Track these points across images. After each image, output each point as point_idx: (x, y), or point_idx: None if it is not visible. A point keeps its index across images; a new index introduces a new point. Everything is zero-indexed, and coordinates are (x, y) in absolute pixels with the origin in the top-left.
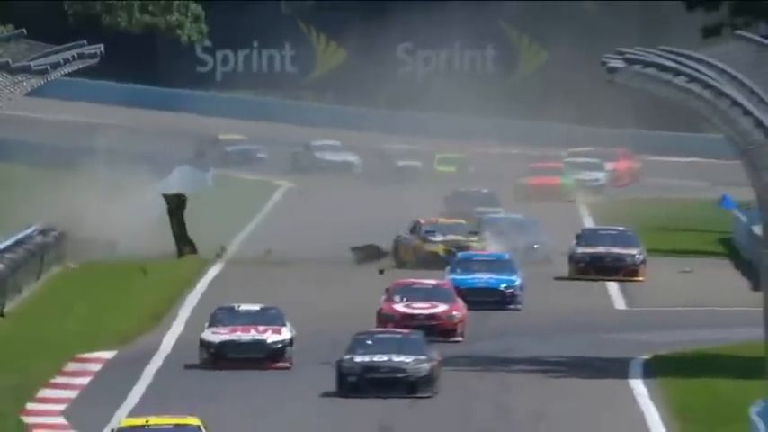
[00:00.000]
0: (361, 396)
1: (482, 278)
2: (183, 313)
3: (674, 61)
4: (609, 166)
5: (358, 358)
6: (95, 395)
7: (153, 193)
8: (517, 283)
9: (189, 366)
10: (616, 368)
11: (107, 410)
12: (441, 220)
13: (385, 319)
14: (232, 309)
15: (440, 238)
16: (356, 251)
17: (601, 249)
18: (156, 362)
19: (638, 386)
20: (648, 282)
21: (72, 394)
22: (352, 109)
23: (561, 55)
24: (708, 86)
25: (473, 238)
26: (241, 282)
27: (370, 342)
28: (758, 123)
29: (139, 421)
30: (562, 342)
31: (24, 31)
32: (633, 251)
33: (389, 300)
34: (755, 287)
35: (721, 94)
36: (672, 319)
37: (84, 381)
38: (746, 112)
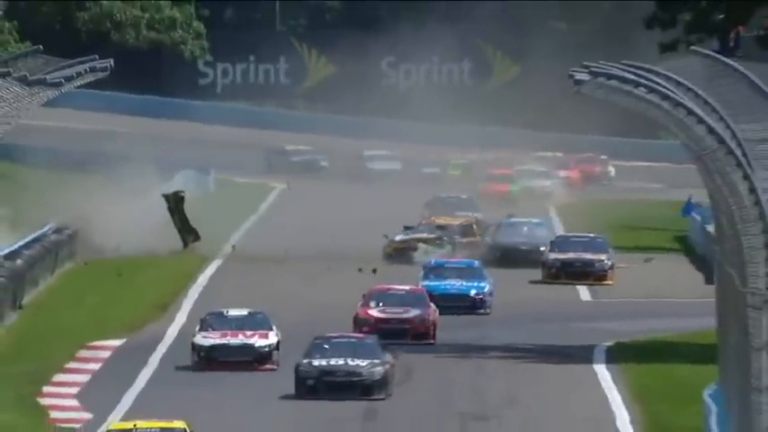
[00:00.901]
0: (319, 398)
1: (454, 284)
2: (186, 305)
3: (635, 74)
4: (562, 173)
5: (315, 362)
6: (106, 380)
7: (157, 195)
8: (486, 289)
9: (180, 368)
10: (582, 354)
11: (116, 394)
12: (440, 219)
13: (361, 323)
14: (221, 314)
15: (406, 236)
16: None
17: (572, 255)
18: (161, 349)
19: (602, 371)
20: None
21: (84, 379)
22: (340, 117)
23: (532, 68)
24: (665, 97)
25: (438, 241)
26: (238, 275)
27: (326, 347)
28: (711, 131)
29: (127, 425)
30: (532, 331)
31: (41, 47)
32: (602, 257)
33: (365, 305)
34: (708, 281)
35: (678, 104)
36: (633, 310)
37: (96, 366)
38: (700, 121)
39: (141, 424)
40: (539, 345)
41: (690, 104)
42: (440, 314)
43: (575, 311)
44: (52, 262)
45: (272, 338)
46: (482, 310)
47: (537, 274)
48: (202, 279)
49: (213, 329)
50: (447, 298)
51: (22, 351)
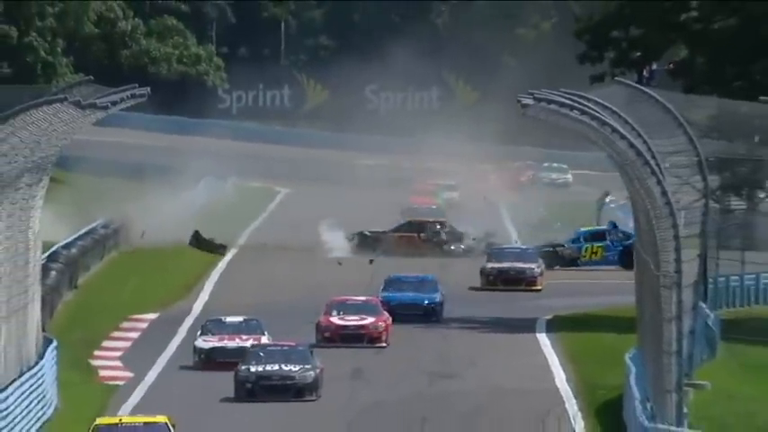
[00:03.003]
0: (256, 401)
1: (409, 295)
2: (208, 286)
3: (570, 99)
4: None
5: (253, 368)
6: (143, 345)
7: (185, 198)
8: (438, 300)
9: (183, 368)
10: (526, 325)
11: (152, 356)
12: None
13: (323, 329)
14: (220, 320)
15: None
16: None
17: (506, 264)
18: (189, 321)
19: (543, 338)
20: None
21: (126, 344)
22: (333, 134)
23: (489, 95)
24: (595, 118)
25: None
26: (249, 262)
27: (262, 354)
28: (631, 145)
29: (113, 420)
30: (487, 306)
31: (91, 77)
32: (533, 265)
33: (327, 314)
34: (629, 267)
35: (604, 123)
36: (568, 290)
37: (135, 335)
38: (622, 137)
39: (126, 419)
40: (492, 318)
41: (614, 124)
42: (397, 321)
43: (521, 291)
44: (101, 251)
45: (264, 342)
46: (434, 318)
47: (478, 281)
48: (221, 265)
49: (212, 334)
50: (403, 307)
51: (76, 322)
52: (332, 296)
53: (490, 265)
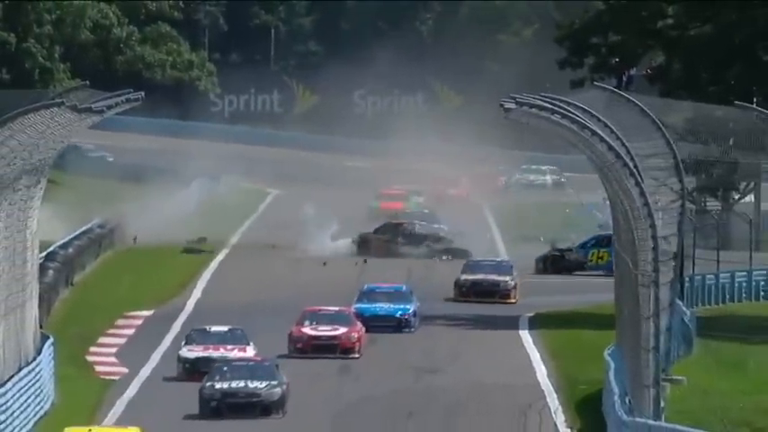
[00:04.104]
0: (221, 419)
1: (382, 307)
2: (201, 284)
3: (551, 104)
4: (451, 190)
5: (217, 385)
6: (138, 342)
7: (178, 198)
8: (411, 311)
9: (168, 379)
10: (509, 323)
11: (147, 352)
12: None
13: (295, 340)
14: (204, 330)
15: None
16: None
17: (480, 276)
18: (182, 318)
19: (525, 335)
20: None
21: (121, 341)
22: (321, 137)
23: (471, 99)
24: (575, 122)
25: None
26: (241, 261)
27: (227, 370)
28: (610, 148)
29: (83, 430)
30: (469, 304)
31: (88, 82)
32: (507, 278)
33: (299, 324)
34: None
35: (584, 127)
36: (549, 287)
37: (130, 331)
38: (602, 140)
39: (96, 429)
40: (475, 315)
41: (593, 127)
42: (371, 332)
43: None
44: (96, 250)
45: (250, 352)
46: (407, 329)
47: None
48: (213, 264)
49: (197, 344)
50: (376, 318)
51: (73, 319)
52: (318, 299)
53: (464, 276)
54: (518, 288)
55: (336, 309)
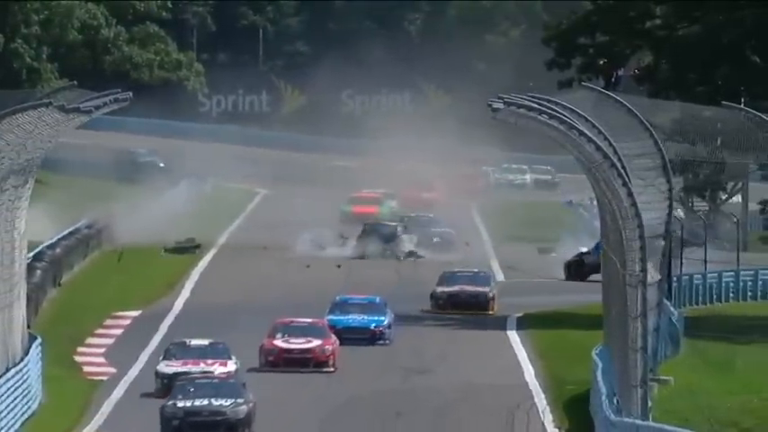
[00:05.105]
0: None
1: (356, 318)
2: (189, 284)
3: (539, 104)
4: (425, 194)
5: (180, 403)
6: (126, 342)
7: (166, 198)
8: (385, 323)
9: (145, 395)
10: (497, 323)
11: (135, 353)
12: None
13: (267, 353)
14: (184, 343)
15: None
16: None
17: (457, 288)
18: (170, 318)
19: (513, 335)
20: (521, 261)
21: (110, 341)
22: (309, 137)
23: (459, 98)
24: (563, 122)
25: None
26: (229, 261)
27: (191, 388)
28: (598, 148)
29: None
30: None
31: (75, 83)
32: (485, 289)
33: (271, 336)
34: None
35: (572, 127)
36: (537, 288)
37: (119, 332)
38: (590, 140)
39: None
40: (463, 315)
41: (581, 128)
42: (344, 345)
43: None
44: (84, 250)
45: (231, 366)
46: (381, 342)
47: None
48: (202, 264)
49: (176, 358)
50: (349, 331)
51: (61, 319)
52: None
53: (440, 288)
54: (496, 299)
55: (309, 320)
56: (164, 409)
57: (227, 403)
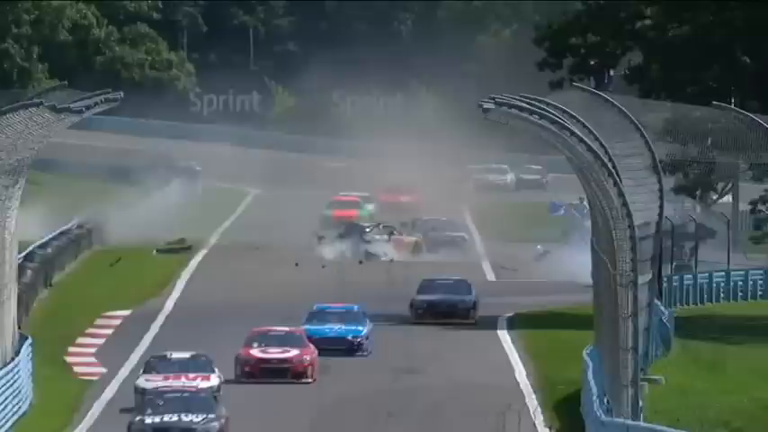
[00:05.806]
0: None
1: (333, 328)
2: (180, 284)
3: (530, 104)
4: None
5: (148, 419)
6: (117, 341)
7: (157, 198)
8: (364, 333)
9: (125, 410)
10: (488, 322)
11: (125, 352)
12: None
13: (243, 363)
14: (165, 357)
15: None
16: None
17: (436, 297)
18: (161, 318)
19: (504, 335)
20: (514, 261)
21: (100, 341)
22: (300, 137)
23: (450, 99)
24: (554, 122)
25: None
26: (219, 262)
27: (160, 402)
28: (589, 148)
29: None
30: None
31: (66, 83)
32: (466, 298)
33: (247, 345)
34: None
35: (563, 127)
36: (528, 288)
37: (109, 331)
38: (581, 140)
39: None
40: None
41: (573, 128)
42: (321, 355)
43: (482, 289)
44: (75, 250)
45: (214, 380)
46: (359, 353)
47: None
48: (192, 264)
49: (156, 372)
50: (326, 341)
51: (53, 319)
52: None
53: (420, 297)
54: (477, 308)
55: (287, 329)
56: (131, 426)
57: (198, 419)
